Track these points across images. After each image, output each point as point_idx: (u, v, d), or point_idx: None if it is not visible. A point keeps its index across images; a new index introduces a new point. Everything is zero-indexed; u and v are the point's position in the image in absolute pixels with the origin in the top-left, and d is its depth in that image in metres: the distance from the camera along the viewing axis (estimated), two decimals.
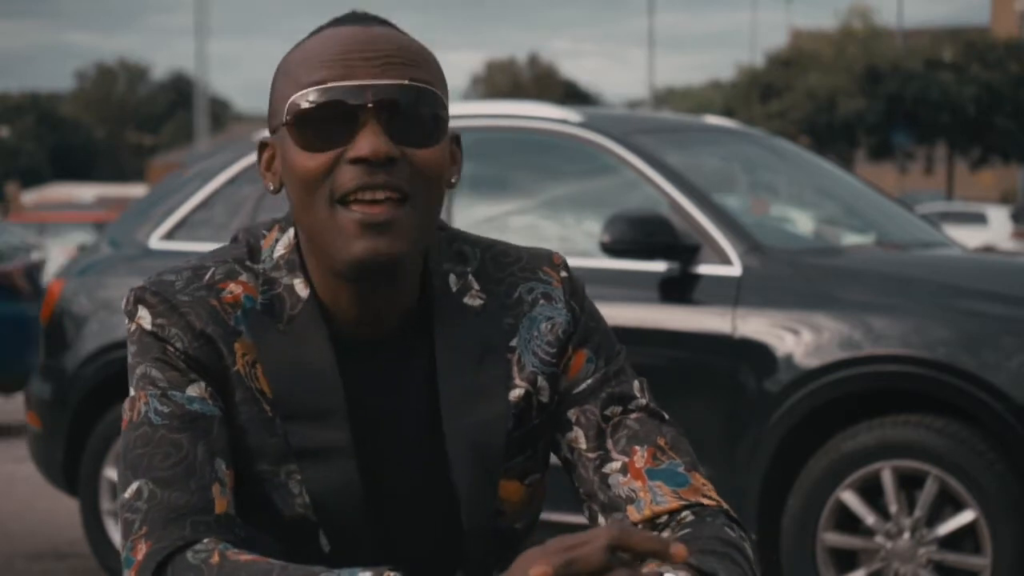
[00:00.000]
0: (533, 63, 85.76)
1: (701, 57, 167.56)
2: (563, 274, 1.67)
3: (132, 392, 1.56)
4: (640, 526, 1.58)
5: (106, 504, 5.28)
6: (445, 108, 1.55)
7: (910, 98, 39.75)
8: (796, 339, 4.30)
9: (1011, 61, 41.09)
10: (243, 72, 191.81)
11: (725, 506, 1.62)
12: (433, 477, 1.59)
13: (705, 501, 1.60)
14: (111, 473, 5.27)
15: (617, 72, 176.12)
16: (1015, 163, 44.16)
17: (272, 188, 1.60)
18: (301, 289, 1.58)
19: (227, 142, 7.47)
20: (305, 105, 1.51)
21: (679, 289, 4.51)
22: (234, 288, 1.58)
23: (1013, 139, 40.62)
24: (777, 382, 4.30)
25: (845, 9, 66.45)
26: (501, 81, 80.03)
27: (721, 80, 56.48)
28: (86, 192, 49.04)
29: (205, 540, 1.46)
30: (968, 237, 17.39)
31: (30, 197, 48.92)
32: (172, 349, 1.55)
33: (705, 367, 4.43)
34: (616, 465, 1.60)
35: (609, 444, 1.61)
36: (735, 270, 4.46)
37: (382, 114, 1.50)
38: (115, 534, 5.28)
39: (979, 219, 28.94)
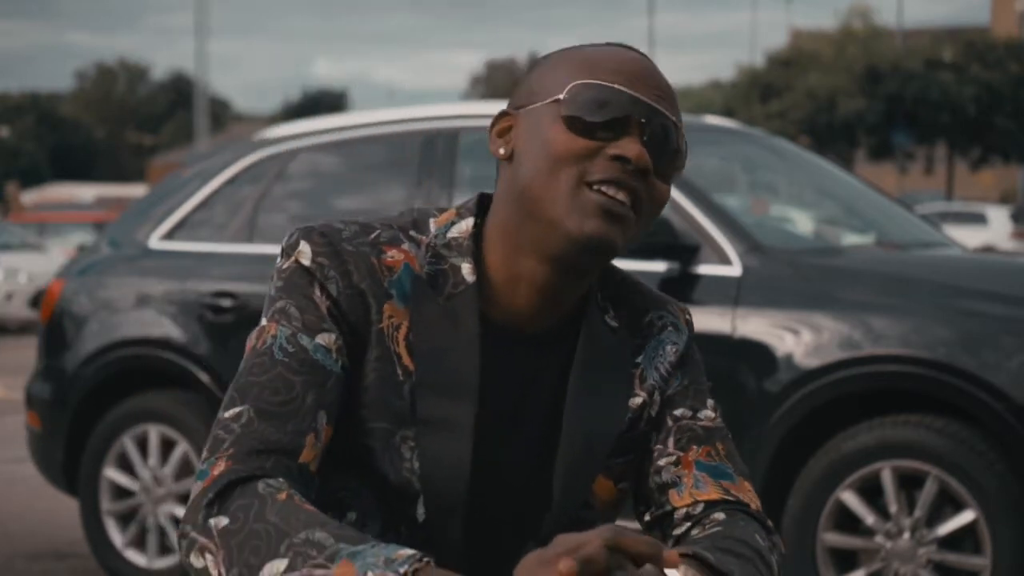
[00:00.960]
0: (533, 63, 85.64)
1: (701, 57, 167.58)
2: (688, 317, 1.82)
3: (264, 321, 1.61)
4: (677, 512, 1.69)
5: (106, 504, 5.29)
6: (686, 158, 1.67)
7: (910, 98, 39.74)
8: (796, 339, 4.30)
9: (1011, 61, 41.07)
10: (243, 72, 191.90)
11: (763, 515, 1.70)
12: (538, 464, 1.67)
13: (744, 499, 1.69)
14: (111, 473, 5.27)
15: None
16: (1015, 163, 44.15)
17: (503, 153, 1.68)
18: (468, 273, 1.64)
19: (227, 142, 7.47)
20: (587, 93, 1.60)
21: (679, 289, 4.51)
22: (395, 254, 1.64)
23: (1013, 139, 40.60)
24: (777, 382, 4.30)
25: (845, 9, 66.53)
26: (501, 81, 80.00)
27: (721, 80, 56.44)
28: (86, 192, 49.06)
29: (281, 479, 1.50)
30: (968, 237, 17.40)
31: (30, 197, 48.90)
32: (321, 292, 1.60)
33: (705, 367, 4.42)
34: (671, 458, 1.71)
35: (670, 442, 1.72)
36: (735, 270, 4.46)
37: (646, 133, 1.60)
38: (115, 534, 5.28)
39: (979, 219, 28.93)
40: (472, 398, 1.61)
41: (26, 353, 10.91)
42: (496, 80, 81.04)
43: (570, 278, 1.64)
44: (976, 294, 4.31)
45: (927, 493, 4.14)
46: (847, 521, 4.26)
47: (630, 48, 1.68)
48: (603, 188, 1.58)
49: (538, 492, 1.66)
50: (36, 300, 17.01)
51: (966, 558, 4.12)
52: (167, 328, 5.17)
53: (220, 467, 1.50)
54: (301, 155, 5.41)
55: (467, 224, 1.68)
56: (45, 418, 5.41)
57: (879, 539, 4.20)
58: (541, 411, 1.68)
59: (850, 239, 5.35)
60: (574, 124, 1.59)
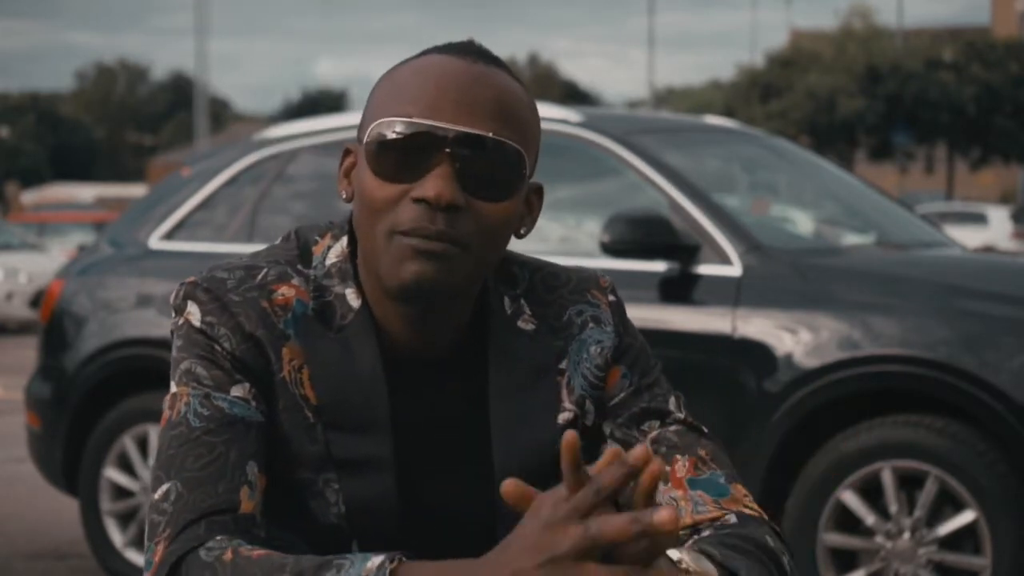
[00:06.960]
0: (533, 63, 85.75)
1: (701, 57, 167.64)
2: (611, 298, 1.68)
3: (174, 387, 1.55)
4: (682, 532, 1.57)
5: (106, 504, 5.28)
6: (526, 166, 1.54)
7: (910, 98, 39.77)
8: (796, 339, 4.30)
9: (1011, 61, 41.11)
10: (243, 72, 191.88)
11: (767, 518, 1.62)
12: (473, 494, 1.59)
13: (747, 511, 1.60)
14: (111, 473, 5.27)
15: (617, 72, 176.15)
16: (1015, 163, 44.16)
17: (345, 197, 1.59)
18: (353, 299, 1.57)
19: (227, 142, 7.48)
20: (385, 134, 1.50)
21: (679, 289, 4.51)
22: (286, 291, 1.57)
23: (1013, 139, 40.62)
24: (777, 382, 4.30)
25: (845, 9, 66.52)
26: None
27: (721, 80, 56.47)
28: (86, 192, 49.08)
29: (219, 538, 1.45)
30: (968, 237, 17.38)
31: (30, 197, 48.91)
32: (219, 348, 1.54)
33: (705, 367, 4.43)
34: None
35: None
36: (735, 270, 4.46)
37: (456, 161, 1.49)
38: (115, 534, 5.28)
39: (979, 219, 28.94)
40: (386, 431, 1.55)
41: (26, 353, 10.91)
42: None
43: (425, 313, 1.56)
44: (976, 294, 4.31)
45: (927, 493, 4.14)
46: (847, 521, 4.26)
47: (457, 49, 1.56)
48: (411, 233, 1.50)
49: (482, 526, 1.58)
50: (36, 300, 17.00)
51: (966, 558, 4.12)
52: (167, 328, 5.16)
53: (160, 552, 1.45)
54: (301, 155, 5.40)
55: (342, 246, 1.60)
56: (45, 418, 5.41)
57: (879, 539, 4.20)
58: (464, 442, 1.60)
59: (850, 239, 5.34)
60: (379, 169, 1.51)
